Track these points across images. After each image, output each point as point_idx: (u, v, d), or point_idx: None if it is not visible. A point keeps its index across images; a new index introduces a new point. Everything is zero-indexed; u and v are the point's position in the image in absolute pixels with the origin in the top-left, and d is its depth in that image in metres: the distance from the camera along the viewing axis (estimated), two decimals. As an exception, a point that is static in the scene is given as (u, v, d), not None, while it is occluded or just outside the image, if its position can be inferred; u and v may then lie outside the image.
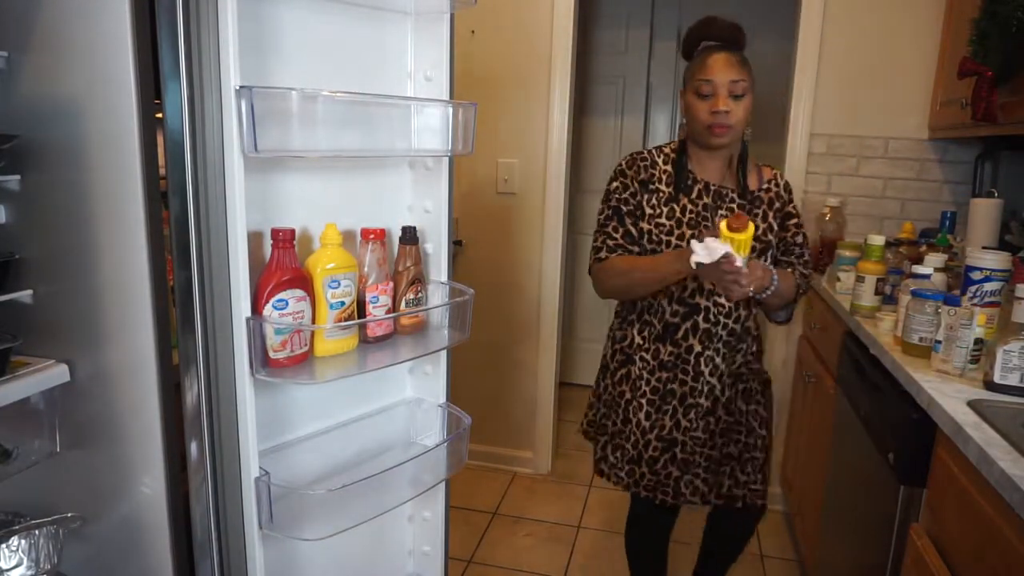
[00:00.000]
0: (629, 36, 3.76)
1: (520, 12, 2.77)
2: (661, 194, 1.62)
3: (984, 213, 2.19)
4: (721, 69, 1.54)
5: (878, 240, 1.95)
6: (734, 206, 1.64)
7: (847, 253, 2.25)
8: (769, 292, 1.55)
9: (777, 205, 1.68)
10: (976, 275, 1.63)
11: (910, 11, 2.52)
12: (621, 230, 1.63)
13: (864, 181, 2.67)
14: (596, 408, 1.82)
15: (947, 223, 2.45)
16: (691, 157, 1.66)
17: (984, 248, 1.89)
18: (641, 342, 1.69)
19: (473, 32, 2.79)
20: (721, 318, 1.64)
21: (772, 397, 1.80)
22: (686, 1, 3.73)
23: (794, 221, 1.71)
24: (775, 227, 1.67)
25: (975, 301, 1.61)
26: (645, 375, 1.68)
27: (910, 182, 2.64)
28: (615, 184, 1.66)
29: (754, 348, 1.75)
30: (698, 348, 1.65)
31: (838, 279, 2.22)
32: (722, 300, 1.63)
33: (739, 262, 1.37)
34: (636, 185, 1.63)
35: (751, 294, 1.48)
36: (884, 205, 2.67)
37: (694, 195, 1.63)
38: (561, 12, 2.72)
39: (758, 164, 1.72)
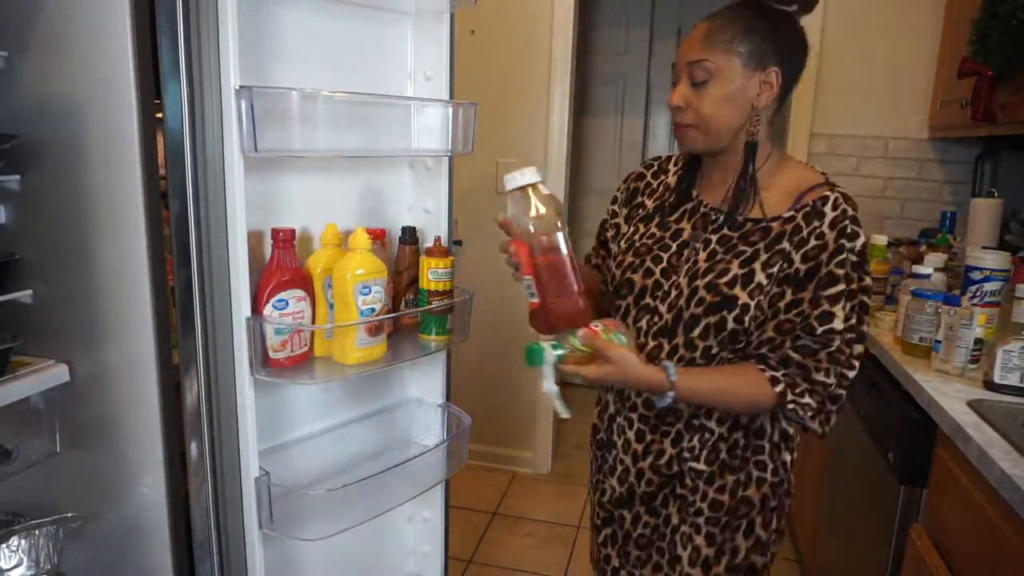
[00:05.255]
0: (629, 36, 3.76)
1: (520, 12, 2.76)
2: (643, 210, 1.25)
3: (984, 213, 2.19)
4: (684, 47, 1.09)
5: (881, 240, 1.95)
6: (713, 237, 1.13)
7: (847, 253, 2.25)
8: (665, 401, 1.06)
9: (797, 252, 1.06)
10: (976, 275, 1.63)
11: (910, 11, 2.52)
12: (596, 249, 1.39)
13: (864, 181, 2.67)
14: None
15: (947, 223, 2.45)
16: (703, 168, 1.21)
17: (984, 248, 1.89)
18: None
19: (473, 32, 2.79)
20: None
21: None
22: (686, 1, 3.73)
23: (828, 287, 1.04)
24: (766, 284, 1.06)
25: (975, 301, 1.61)
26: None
27: (910, 182, 2.64)
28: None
29: (710, 445, 1.18)
30: (612, 408, 1.30)
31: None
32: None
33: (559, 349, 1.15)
34: (625, 195, 1.30)
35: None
36: (884, 205, 2.67)
37: (675, 216, 1.19)
38: (561, 12, 2.72)
39: (810, 179, 1.19)
